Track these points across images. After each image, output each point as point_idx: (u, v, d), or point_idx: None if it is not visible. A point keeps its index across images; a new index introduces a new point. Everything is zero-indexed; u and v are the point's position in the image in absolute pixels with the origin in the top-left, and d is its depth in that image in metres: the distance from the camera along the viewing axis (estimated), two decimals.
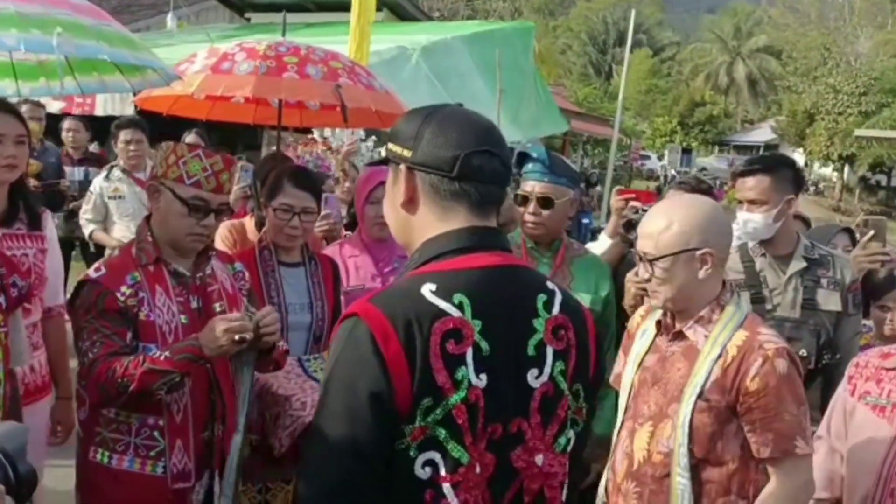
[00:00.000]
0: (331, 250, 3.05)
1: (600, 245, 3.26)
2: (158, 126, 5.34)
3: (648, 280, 2.05)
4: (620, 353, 2.32)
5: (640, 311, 2.29)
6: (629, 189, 3.64)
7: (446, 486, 1.28)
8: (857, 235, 3.34)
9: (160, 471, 2.15)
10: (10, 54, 3.09)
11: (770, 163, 2.77)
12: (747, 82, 53.90)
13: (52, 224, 2.81)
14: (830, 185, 35.11)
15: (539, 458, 1.36)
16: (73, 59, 2.99)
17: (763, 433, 1.92)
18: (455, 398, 1.27)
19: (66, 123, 6.17)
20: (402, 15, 13.24)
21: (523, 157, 2.84)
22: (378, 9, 7.60)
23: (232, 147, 9.00)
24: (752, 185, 2.69)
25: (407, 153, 1.39)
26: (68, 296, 2.23)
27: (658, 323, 2.14)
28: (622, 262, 3.03)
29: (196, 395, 2.19)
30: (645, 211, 2.75)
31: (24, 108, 5.69)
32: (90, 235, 5.26)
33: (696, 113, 47.89)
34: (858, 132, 21.62)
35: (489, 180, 1.38)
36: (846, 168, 33.47)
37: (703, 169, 34.28)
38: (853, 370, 2.21)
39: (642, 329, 2.21)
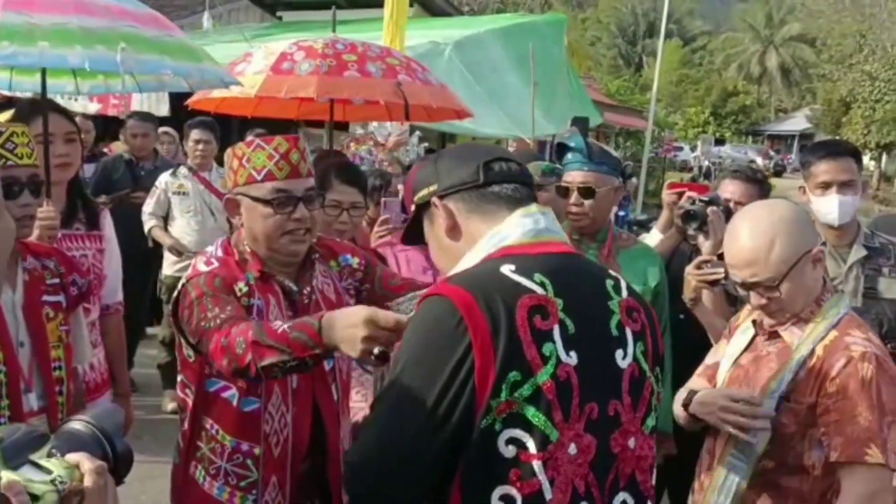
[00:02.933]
0: (382, 243, 3.07)
1: (652, 239, 3.22)
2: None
3: (765, 306, 1.92)
4: (722, 343, 2.21)
5: (749, 307, 2.11)
6: (681, 183, 3.58)
7: (536, 464, 1.28)
8: None
9: None
10: None
11: (853, 147, 2.77)
12: (780, 71, 53.11)
13: (110, 223, 2.85)
14: (868, 174, 34.46)
15: (632, 442, 1.38)
16: None
17: (835, 436, 1.79)
18: (544, 374, 1.28)
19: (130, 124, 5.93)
20: (433, 10, 13.22)
21: (562, 148, 2.81)
22: (409, 4, 7.60)
23: None
24: (844, 167, 2.65)
25: (433, 188, 1.48)
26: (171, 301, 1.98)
27: (755, 321, 2.04)
28: (675, 253, 3.00)
29: (298, 428, 1.97)
30: (703, 202, 2.71)
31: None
32: (149, 231, 5.31)
33: (729, 103, 47.31)
34: None
35: (515, 180, 1.47)
36: (884, 157, 32.83)
37: (720, 158, 34.00)
38: None
39: (743, 327, 2.10)
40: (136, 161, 5.72)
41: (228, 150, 2.01)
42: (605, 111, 17.48)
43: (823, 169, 2.67)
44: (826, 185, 2.66)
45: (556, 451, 1.29)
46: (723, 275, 2.41)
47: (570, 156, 2.77)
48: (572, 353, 1.31)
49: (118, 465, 1.06)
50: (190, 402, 2.01)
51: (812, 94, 44.92)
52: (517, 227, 1.42)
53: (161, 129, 6.41)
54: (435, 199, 1.48)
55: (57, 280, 2.12)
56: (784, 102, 54.32)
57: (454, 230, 1.46)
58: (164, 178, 5.34)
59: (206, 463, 1.97)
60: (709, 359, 2.24)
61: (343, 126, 6.85)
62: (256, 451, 1.93)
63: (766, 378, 1.93)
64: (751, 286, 1.90)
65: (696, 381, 2.21)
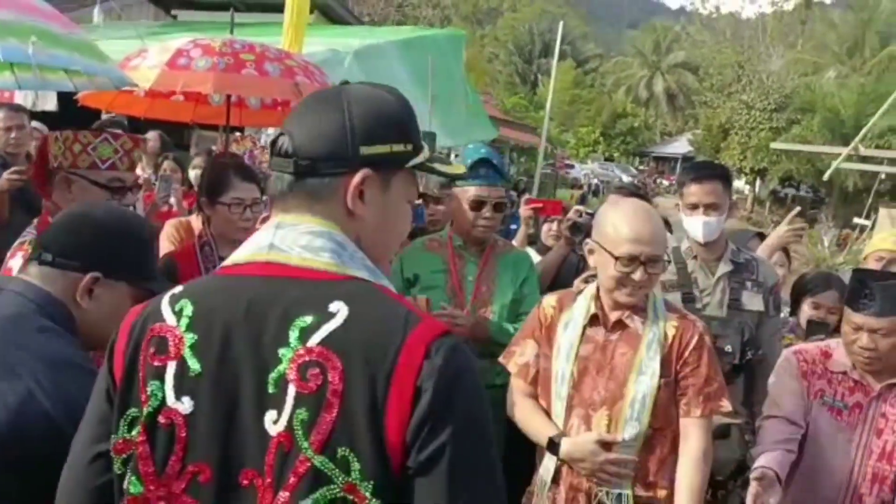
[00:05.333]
0: None
1: None
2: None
3: (644, 282, 2.15)
4: (529, 342, 2.34)
5: (552, 302, 2.33)
6: (537, 199, 3.90)
7: None
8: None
9: None
10: None
11: (721, 170, 3.01)
12: (666, 96, 55.76)
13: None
14: (743, 198, 36.52)
15: None
16: None
17: (696, 396, 2.18)
18: (143, 414, 1.11)
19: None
20: (332, 17, 13.19)
21: (480, 162, 2.87)
22: (309, 10, 7.57)
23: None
24: (710, 190, 2.87)
25: None
26: None
27: (594, 316, 2.23)
28: (564, 263, 3.16)
29: None
30: (589, 214, 2.88)
31: None
32: None
33: (618, 124, 49.30)
34: (774, 145, 22.90)
35: (278, 168, 1.18)
36: (758, 181, 34.90)
37: (588, 174, 35.82)
38: (796, 356, 2.50)
39: (564, 322, 2.27)
40: (9, 163, 4.39)
41: (66, 133, 2.18)
42: (501, 126, 17.89)
43: (692, 191, 2.90)
44: (694, 207, 2.89)
45: None
46: None
47: (483, 170, 2.87)
48: (185, 399, 1.09)
49: None
50: None
51: (694, 120, 47.19)
52: (252, 240, 1.20)
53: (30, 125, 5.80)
54: None
55: None
56: (669, 126, 56.94)
57: None
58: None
59: None
60: (519, 359, 2.35)
61: (239, 130, 6.77)
62: None
63: (626, 361, 2.17)
64: (645, 261, 2.13)
65: (516, 383, 2.34)
